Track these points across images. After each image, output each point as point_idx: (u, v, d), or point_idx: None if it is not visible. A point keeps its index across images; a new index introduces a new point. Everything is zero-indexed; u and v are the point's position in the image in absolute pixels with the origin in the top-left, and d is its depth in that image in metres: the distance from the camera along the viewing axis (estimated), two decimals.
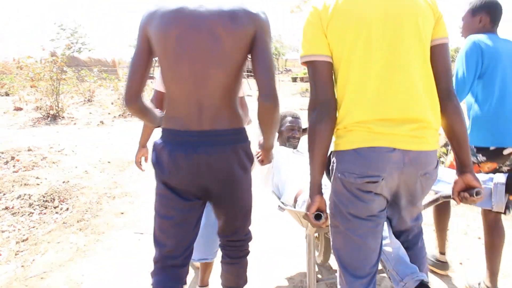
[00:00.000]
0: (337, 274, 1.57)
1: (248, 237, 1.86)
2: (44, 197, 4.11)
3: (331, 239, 1.58)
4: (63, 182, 4.56)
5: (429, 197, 1.91)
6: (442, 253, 2.64)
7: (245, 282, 1.93)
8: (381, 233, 1.51)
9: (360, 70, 1.38)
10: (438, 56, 1.46)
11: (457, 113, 1.47)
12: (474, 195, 1.44)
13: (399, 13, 1.38)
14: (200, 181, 1.58)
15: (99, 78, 13.46)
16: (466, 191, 1.49)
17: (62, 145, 6.62)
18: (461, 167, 1.50)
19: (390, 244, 1.64)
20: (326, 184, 1.82)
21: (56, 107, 9.94)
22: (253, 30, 1.49)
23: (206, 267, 2.27)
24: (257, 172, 2.38)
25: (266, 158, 1.91)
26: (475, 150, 2.21)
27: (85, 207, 3.89)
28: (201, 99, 1.52)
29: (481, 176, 1.88)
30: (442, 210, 2.58)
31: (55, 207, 3.95)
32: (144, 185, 4.58)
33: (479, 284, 2.42)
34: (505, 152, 2.14)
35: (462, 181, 1.50)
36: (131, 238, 3.26)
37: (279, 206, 2.29)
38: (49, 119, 9.80)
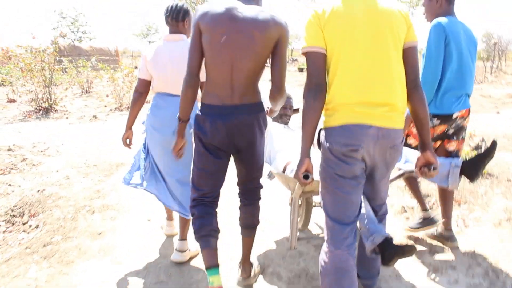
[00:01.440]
0: (324, 229, 1.93)
1: (260, 185, 2.40)
2: (12, 210, 3.51)
3: (321, 200, 1.95)
4: (38, 191, 3.95)
5: (397, 172, 2.54)
6: (425, 210, 3.01)
7: (258, 222, 2.42)
8: (361, 190, 1.89)
9: (347, 62, 1.77)
10: (409, 56, 1.86)
11: (421, 100, 1.87)
12: (432, 170, 1.88)
13: (379, 20, 1.77)
14: (233, 141, 2.13)
15: (95, 69, 12.82)
16: (425, 167, 1.91)
17: (47, 144, 6.01)
18: (423, 146, 1.92)
19: (365, 208, 2.04)
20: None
21: (49, 100, 9.34)
22: (278, 36, 2.03)
23: (185, 223, 2.75)
24: None
25: (271, 114, 2.54)
26: (431, 115, 2.58)
27: (57, 225, 3.29)
28: (234, 82, 2.04)
29: (441, 160, 2.44)
30: (411, 179, 3.02)
31: (23, 224, 3.35)
32: (130, 194, 3.97)
33: (436, 230, 2.99)
34: (454, 116, 2.63)
35: (423, 158, 1.92)
36: (106, 270, 2.66)
37: (268, 175, 2.71)
38: (40, 112, 9.20)
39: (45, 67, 9.15)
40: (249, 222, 2.38)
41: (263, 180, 2.43)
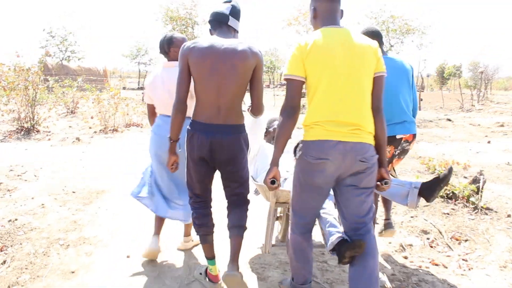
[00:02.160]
0: (290, 217, 2.38)
1: (247, 191, 2.69)
2: None
3: (290, 199, 2.35)
4: (9, 220, 3.65)
5: None
6: (388, 219, 3.33)
7: (245, 222, 2.67)
8: (323, 200, 2.26)
9: (325, 87, 2.10)
10: (377, 84, 2.17)
11: (381, 123, 2.19)
12: (383, 184, 2.21)
13: (354, 53, 2.10)
14: (214, 155, 2.45)
15: (82, 89, 12.55)
16: (379, 181, 2.22)
17: (25, 167, 5.70)
18: (379, 163, 2.20)
19: (328, 214, 2.54)
20: (289, 170, 2.84)
21: (31, 120, 9.03)
22: (255, 64, 2.41)
23: (189, 224, 3.27)
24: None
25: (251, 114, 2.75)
26: None
27: (27, 261, 2.99)
28: (220, 104, 2.39)
29: (402, 181, 2.79)
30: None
31: None
32: (109, 226, 3.69)
33: (382, 227, 3.36)
34: (398, 137, 3.02)
35: (378, 174, 2.22)
36: None
37: (254, 191, 3.23)
38: (22, 132, 8.88)
39: (29, 86, 8.87)
40: (237, 222, 2.64)
41: (251, 196, 2.78)
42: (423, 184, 2.70)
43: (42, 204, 4.15)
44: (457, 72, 37.30)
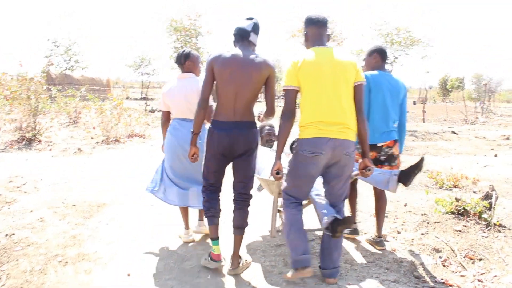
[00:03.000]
0: (283, 202, 2.98)
1: (250, 195, 3.11)
2: None
3: (285, 182, 2.94)
4: (6, 235, 3.53)
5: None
6: (354, 223, 3.78)
7: (247, 224, 3.09)
8: (312, 185, 2.87)
9: (315, 95, 2.71)
10: (357, 91, 2.81)
11: (362, 122, 2.82)
12: (367, 171, 2.88)
13: (337, 67, 2.72)
14: (233, 148, 2.93)
15: (85, 99, 12.48)
16: (364, 169, 2.90)
17: (25, 178, 5.59)
18: (363, 155, 2.91)
19: (321, 199, 3.02)
20: (286, 167, 2.99)
21: (33, 130, 8.95)
22: (268, 74, 2.90)
23: (201, 211, 3.70)
24: None
25: (260, 119, 3.36)
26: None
27: (23, 279, 2.86)
28: (236, 106, 2.89)
29: (384, 171, 3.39)
30: (352, 196, 3.77)
31: None
32: (110, 241, 3.56)
33: (371, 236, 3.76)
34: (379, 144, 3.46)
35: (363, 163, 2.91)
36: None
37: (257, 188, 3.90)
38: (24, 142, 8.79)
39: (31, 95, 8.81)
40: (239, 223, 3.06)
41: (254, 192, 3.24)
42: (401, 172, 3.29)
43: (41, 218, 4.03)
44: (460, 85, 37.22)
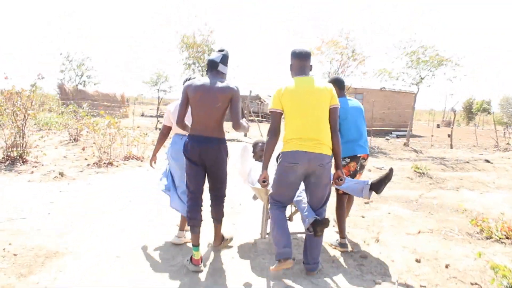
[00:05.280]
0: (270, 204, 3.52)
1: (224, 194, 3.72)
2: None
3: (271, 189, 3.52)
4: None
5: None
6: (343, 237, 4.18)
7: (223, 215, 3.78)
8: (295, 191, 3.39)
9: (295, 116, 3.22)
10: (332, 112, 3.31)
11: (337, 139, 3.32)
12: (339, 181, 3.37)
13: (314, 94, 3.24)
14: (203, 158, 3.44)
15: (92, 115, 11.64)
16: (337, 179, 3.38)
17: None
18: (336, 167, 3.39)
19: (304, 203, 3.54)
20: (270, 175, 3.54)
21: (17, 149, 8.09)
22: (231, 96, 3.43)
23: (184, 220, 4.08)
24: (239, 172, 4.29)
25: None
26: (345, 157, 4.11)
27: None
28: (207, 123, 3.42)
29: (358, 181, 3.93)
30: (341, 211, 4.26)
31: None
32: None
33: (336, 240, 4.25)
34: (358, 155, 4.16)
35: (336, 174, 3.39)
36: None
37: (253, 197, 4.71)
38: (7, 163, 7.91)
39: (17, 111, 7.99)
40: (217, 216, 3.74)
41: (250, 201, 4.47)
42: (373, 182, 3.73)
43: None
44: (488, 107, 35.47)
